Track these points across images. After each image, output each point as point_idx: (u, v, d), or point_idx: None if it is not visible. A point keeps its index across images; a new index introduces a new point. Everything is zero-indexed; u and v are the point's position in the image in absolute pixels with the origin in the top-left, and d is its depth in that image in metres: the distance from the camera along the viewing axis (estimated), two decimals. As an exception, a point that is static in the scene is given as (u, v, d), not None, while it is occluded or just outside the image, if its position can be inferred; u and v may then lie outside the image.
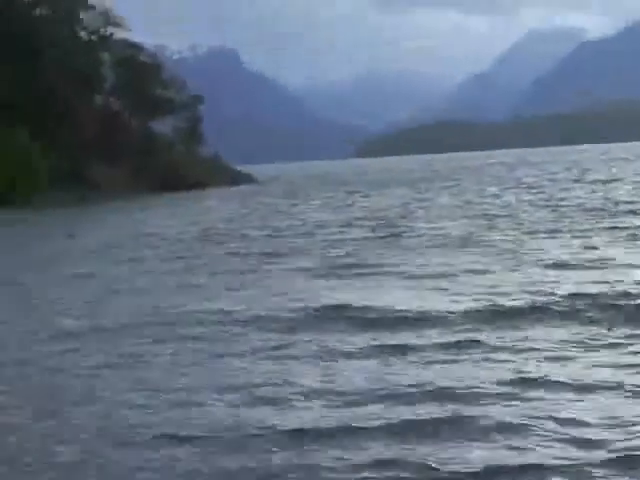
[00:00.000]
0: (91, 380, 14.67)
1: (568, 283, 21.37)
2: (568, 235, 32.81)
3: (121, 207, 75.47)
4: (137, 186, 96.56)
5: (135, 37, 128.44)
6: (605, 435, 10.66)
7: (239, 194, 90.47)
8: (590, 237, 31.61)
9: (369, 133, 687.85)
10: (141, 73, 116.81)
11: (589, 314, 17.72)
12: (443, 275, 24.12)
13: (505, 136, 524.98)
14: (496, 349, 15.21)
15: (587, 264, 24.72)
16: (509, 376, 13.36)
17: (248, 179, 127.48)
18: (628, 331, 16.11)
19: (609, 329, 16.26)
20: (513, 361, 14.37)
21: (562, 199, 53.01)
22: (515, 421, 11.23)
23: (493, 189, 71.53)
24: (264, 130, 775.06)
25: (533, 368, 13.82)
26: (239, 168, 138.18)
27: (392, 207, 55.55)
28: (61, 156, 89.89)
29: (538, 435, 10.76)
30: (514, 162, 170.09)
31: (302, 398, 12.80)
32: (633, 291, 19.46)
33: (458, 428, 11.15)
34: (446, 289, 21.74)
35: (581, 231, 33.85)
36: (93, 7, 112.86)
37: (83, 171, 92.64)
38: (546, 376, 13.26)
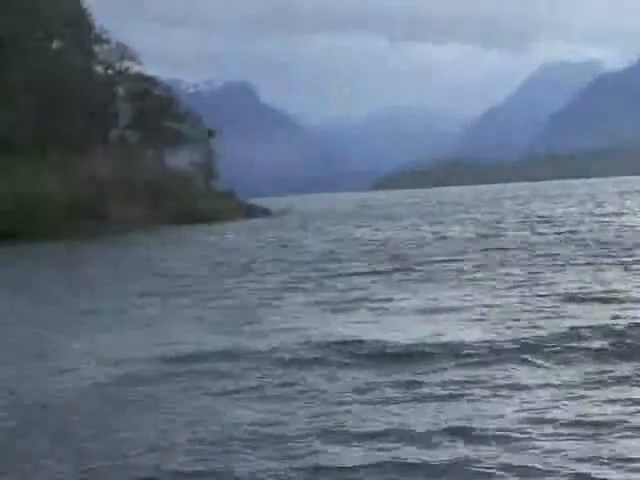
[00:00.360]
0: (92, 416, 14.61)
1: (578, 317, 21.20)
2: (581, 268, 32.61)
3: (135, 241, 75.51)
4: (151, 219, 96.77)
5: (150, 70, 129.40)
6: (615, 475, 10.50)
7: (252, 227, 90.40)
8: (603, 270, 31.43)
9: (383, 168, 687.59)
10: (156, 107, 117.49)
11: (598, 348, 17.54)
12: (454, 309, 23.98)
13: (522, 170, 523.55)
14: (504, 386, 15.05)
15: (598, 297, 24.53)
16: (517, 414, 13.21)
17: (262, 212, 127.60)
18: (637, 365, 15.93)
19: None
20: (521, 398, 14.21)
21: (575, 232, 52.75)
22: (524, 462, 11.08)
23: (510, 220, 71.48)
24: (278, 163, 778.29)
25: (541, 404, 13.67)
26: (253, 200, 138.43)
27: (404, 240, 55.37)
28: (75, 189, 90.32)
29: (548, 475, 10.60)
30: (529, 195, 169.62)
31: (309, 437, 12.65)
32: (643, 325, 19.31)
33: (467, 468, 11.01)
34: (457, 323, 21.59)
35: (594, 264, 33.64)
36: (107, 41, 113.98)
37: (97, 204, 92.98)
38: (554, 413, 13.11)
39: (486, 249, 43.76)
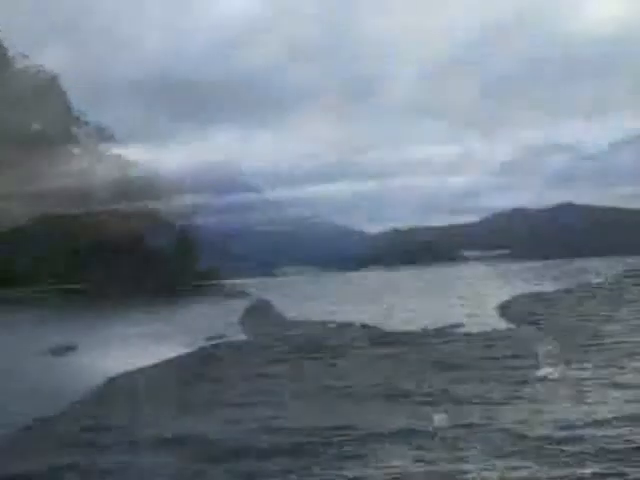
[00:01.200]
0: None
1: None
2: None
3: (116, 315, 71.18)
4: (129, 296, 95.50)
5: (131, 152, 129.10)
6: None
7: (231, 309, 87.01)
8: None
9: (370, 238, 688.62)
10: (136, 186, 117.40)
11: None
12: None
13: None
14: None
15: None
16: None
17: (241, 293, 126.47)
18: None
19: None
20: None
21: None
22: None
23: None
24: (262, 241, 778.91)
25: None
26: (234, 280, 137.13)
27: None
28: (56, 261, 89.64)
29: None
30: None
31: None
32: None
33: None
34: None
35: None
36: (87, 123, 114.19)
37: (75, 277, 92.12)
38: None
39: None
